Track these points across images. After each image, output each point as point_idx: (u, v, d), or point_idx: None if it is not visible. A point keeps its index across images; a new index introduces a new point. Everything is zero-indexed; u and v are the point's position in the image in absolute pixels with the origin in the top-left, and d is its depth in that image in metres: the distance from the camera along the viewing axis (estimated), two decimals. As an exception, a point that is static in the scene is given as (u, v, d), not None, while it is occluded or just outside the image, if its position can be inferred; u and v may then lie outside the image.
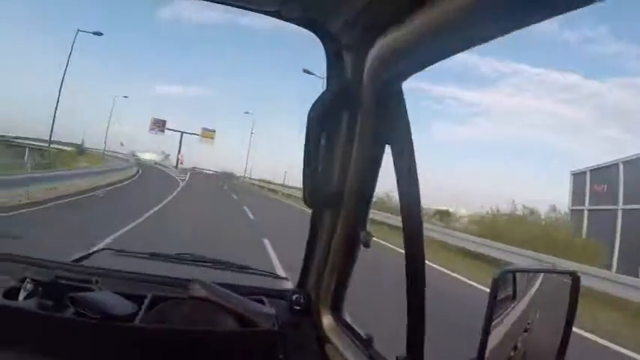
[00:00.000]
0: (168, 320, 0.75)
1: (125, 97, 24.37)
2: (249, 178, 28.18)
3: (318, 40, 0.65)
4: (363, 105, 0.63)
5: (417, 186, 0.57)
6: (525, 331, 0.55)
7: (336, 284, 0.84)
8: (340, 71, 0.65)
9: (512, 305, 0.54)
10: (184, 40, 48.33)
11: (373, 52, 0.56)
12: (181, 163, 29.90)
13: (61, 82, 15.11)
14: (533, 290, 0.55)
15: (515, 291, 0.54)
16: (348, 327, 0.82)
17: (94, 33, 15.21)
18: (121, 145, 29.42)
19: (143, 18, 42.37)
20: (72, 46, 14.99)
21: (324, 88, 0.68)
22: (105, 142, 21.90)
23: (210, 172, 31.10)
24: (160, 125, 30.91)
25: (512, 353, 0.54)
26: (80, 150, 19.81)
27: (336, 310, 0.86)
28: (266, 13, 0.61)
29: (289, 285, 1.04)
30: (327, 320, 0.85)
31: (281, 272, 1.30)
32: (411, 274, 0.57)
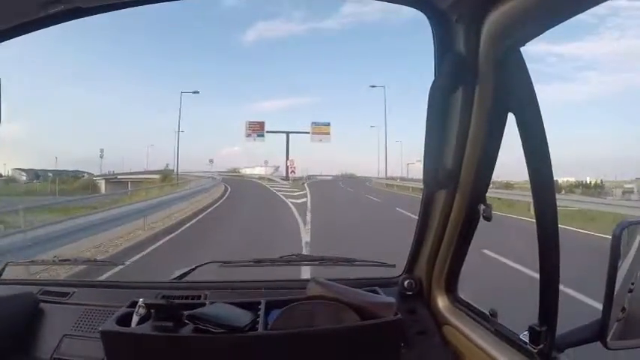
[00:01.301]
0: (290, 323, 0.85)
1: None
2: (377, 178, 26.54)
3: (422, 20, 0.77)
4: (481, 76, 0.71)
5: (548, 152, 0.63)
6: (630, 291, 0.58)
7: (451, 264, 0.97)
8: (451, 47, 0.75)
9: (620, 263, 0.57)
10: (272, 57, 52.14)
11: (488, 22, 0.65)
12: (292, 172, 25.81)
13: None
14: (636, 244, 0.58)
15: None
16: (466, 305, 0.94)
17: (193, 92, 21.46)
18: (210, 162, 28.48)
19: (225, 42, 47.71)
20: (180, 109, 20.29)
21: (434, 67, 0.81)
22: (176, 164, 22.13)
23: (329, 177, 29.49)
24: (257, 128, 27.46)
25: (620, 315, 0.58)
26: (164, 176, 20.73)
27: (451, 291, 0.99)
28: None
29: (397, 272, 1.16)
30: (442, 302, 0.99)
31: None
32: (543, 244, 0.65)
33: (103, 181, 21.54)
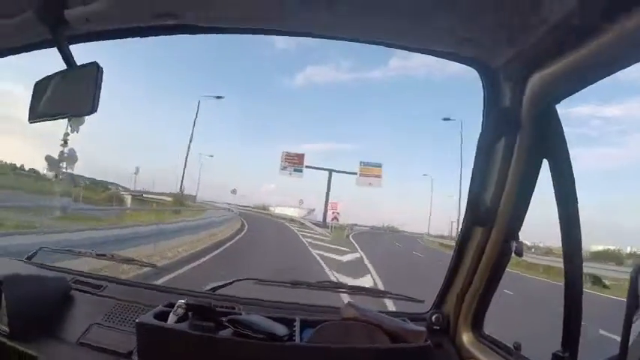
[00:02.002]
0: (325, 340, 1.05)
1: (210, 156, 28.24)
2: (428, 235, 26.93)
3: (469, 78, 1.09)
4: (522, 127, 0.94)
5: (575, 194, 0.87)
6: None
7: (479, 300, 1.18)
8: (498, 101, 0.99)
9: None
10: (316, 101, 57.67)
11: (530, 82, 0.88)
12: (335, 218, 23.16)
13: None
14: None
15: None
16: (491, 341, 1.15)
17: (217, 97, 21.40)
18: (233, 193, 27.57)
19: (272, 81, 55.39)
20: (196, 114, 21.41)
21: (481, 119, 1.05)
22: (180, 187, 22.29)
23: (366, 228, 28.49)
24: (295, 161, 26.32)
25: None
26: (176, 199, 21.43)
27: (477, 327, 1.20)
28: (441, 54, 0.98)
29: (425, 307, 1.36)
30: (467, 337, 1.20)
31: None
32: (569, 279, 0.87)
33: (129, 197, 23.82)
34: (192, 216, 14.75)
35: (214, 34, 1.03)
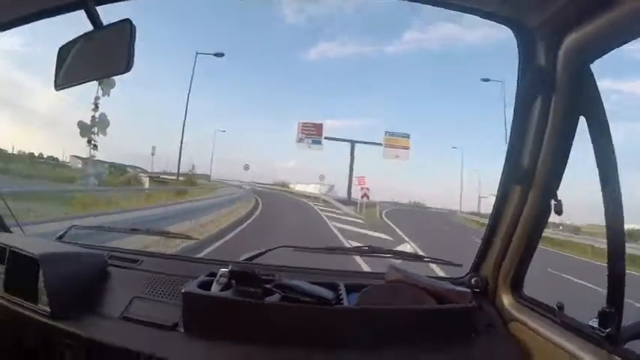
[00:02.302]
0: (372, 302, 1.14)
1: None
2: (461, 212, 26.43)
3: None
4: (557, 85, 1.01)
5: (613, 151, 0.91)
6: None
7: (519, 261, 1.25)
8: (533, 60, 1.05)
9: None
10: (332, 76, 57.59)
11: (565, 42, 0.95)
12: (365, 195, 20.28)
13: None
14: None
15: None
16: (532, 302, 1.21)
17: (215, 54, 19.81)
18: (245, 169, 25.86)
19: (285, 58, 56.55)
20: (192, 71, 20.20)
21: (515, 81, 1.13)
22: (178, 165, 21.71)
23: (388, 203, 27.50)
24: (313, 131, 24.44)
25: None
26: (187, 179, 21.79)
27: (516, 288, 1.27)
28: (478, 12, 1.03)
29: (463, 272, 1.46)
30: (507, 300, 1.27)
31: None
32: (611, 234, 0.91)
33: (147, 178, 24.61)
34: (200, 195, 14.57)
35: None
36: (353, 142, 24.62)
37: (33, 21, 1.12)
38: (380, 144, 24.19)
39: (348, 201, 22.93)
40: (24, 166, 21.52)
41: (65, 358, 1.15)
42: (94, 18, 0.91)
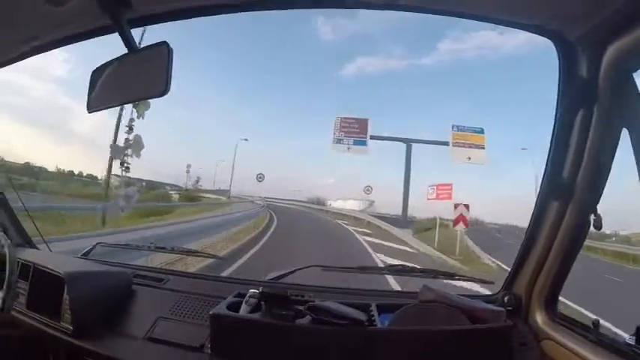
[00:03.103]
0: (406, 323, 1.29)
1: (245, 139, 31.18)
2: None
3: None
4: (599, 97, 1.15)
5: None
6: None
7: (554, 278, 1.40)
8: (574, 72, 1.19)
9: None
10: (369, 91, 60.52)
11: (607, 52, 1.08)
12: (461, 221, 13.90)
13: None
14: None
15: None
16: (566, 319, 1.37)
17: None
18: (259, 180, 22.98)
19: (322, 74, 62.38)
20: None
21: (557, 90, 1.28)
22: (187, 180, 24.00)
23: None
24: (355, 128, 20.97)
25: None
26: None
27: (551, 307, 1.43)
28: (519, 26, 1.18)
29: (495, 289, 1.67)
30: (541, 317, 1.43)
31: None
32: None
33: (177, 195, 27.54)
34: (183, 216, 13.37)
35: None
36: (409, 142, 21.68)
37: (68, 44, 1.36)
38: (445, 143, 20.77)
39: (404, 222, 19.78)
40: (55, 183, 24.02)
41: None
42: (128, 41, 1.08)
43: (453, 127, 20.66)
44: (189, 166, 29.71)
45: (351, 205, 28.75)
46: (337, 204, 32.35)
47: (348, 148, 21.19)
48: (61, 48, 1.39)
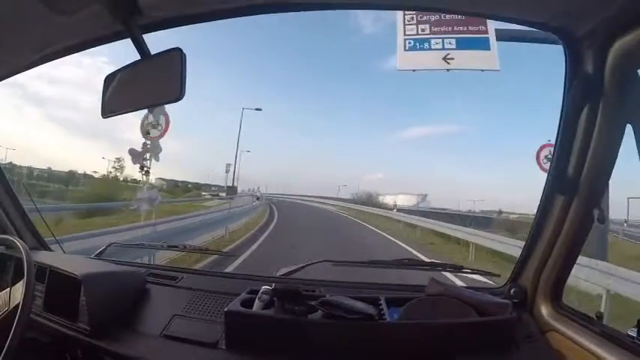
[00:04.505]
0: (414, 316, 1.33)
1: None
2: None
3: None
4: (604, 93, 1.17)
5: None
6: None
7: (559, 271, 1.45)
8: (580, 68, 1.21)
9: None
10: (410, 85, 60.58)
11: (614, 48, 1.10)
12: None
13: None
14: None
15: None
16: (570, 311, 1.41)
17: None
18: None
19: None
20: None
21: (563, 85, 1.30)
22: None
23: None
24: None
25: None
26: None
27: (556, 299, 1.48)
28: (528, 23, 1.20)
29: (501, 281, 1.72)
30: (545, 310, 1.48)
31: None
32: None
33: (208, 195, 29.62)
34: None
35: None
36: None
37: (81, 50, 1.38)
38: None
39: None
40: (88, 187, 25.79)
41: None
42: (141, 46, 1.09)
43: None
44: (228, 165, 31.17)
45: (401, 200, 29.23)
46: (387, 199, 32.55)
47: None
48: (104, 61, 1.44)
